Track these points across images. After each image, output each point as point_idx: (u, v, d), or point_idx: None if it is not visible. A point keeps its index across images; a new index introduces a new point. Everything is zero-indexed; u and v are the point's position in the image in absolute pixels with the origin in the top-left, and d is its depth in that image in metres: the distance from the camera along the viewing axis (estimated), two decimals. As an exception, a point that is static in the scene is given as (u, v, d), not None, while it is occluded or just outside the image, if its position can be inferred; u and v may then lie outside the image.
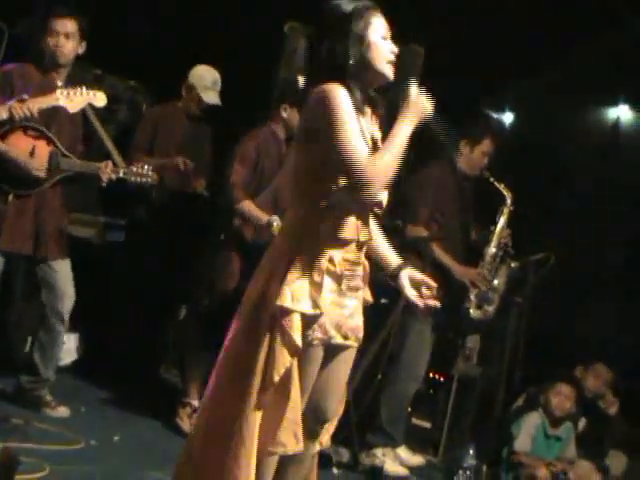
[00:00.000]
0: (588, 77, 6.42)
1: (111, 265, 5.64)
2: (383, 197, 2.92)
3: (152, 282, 5.41)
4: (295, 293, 2.77)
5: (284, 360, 2.76)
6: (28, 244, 4.45)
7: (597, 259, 6.46)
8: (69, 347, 5.48)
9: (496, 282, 5.18)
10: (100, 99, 4.44)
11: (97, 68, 6.10)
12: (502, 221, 5.18)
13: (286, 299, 2.76)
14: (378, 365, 4.89)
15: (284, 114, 4.83)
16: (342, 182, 2.80)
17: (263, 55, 5.90)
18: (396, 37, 2.98)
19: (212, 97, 5.49)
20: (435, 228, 5.08)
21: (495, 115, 7.08)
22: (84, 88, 4.36)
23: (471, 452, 5.10)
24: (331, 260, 2.83)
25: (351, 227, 2.87)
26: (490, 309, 5.15)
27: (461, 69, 6.11)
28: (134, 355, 5.38)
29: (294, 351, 2.77)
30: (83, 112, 4.54)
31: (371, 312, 3.15)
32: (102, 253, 5.79)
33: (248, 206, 4.74)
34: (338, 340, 2.91)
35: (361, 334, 3.00)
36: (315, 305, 2.80)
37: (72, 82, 4.52)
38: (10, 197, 4.36)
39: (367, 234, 2.94)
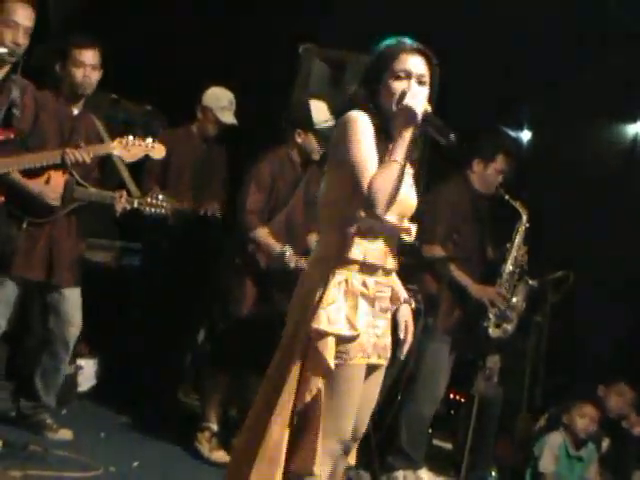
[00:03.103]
0: (607, 93, 6.38)
1: (127, 289, 5.64)
2: (412, 225, 2.99)
3: (169, 306, 5.41)
4: (331, 316, 2.83)
5: (316, 381, 2.83)
6: (41, 271, 4.45)
7: (617, 275, 6.39)
8: (88, 373, 5.49)
9: (514, 300, 5.13)
10: (159, 151, 4.47)
11: (113, 93, 6.13)
12: (518, 239, 5.15)
13: (322, 322, 2.82)
14: (398, 386, 4.85)
15: (299, 139, 4.82)
16: None
17: (277, 77, 5.91)
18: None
19: (229, 117, 5.54)
20: (451, 247, 5.06)
21: (511, 132, 7.04)
22: (145, 139, 4.40)
23: (493, 474, 5.06)
24: (364, 284, 2.91)
25: (379, 253, 2.93)
26: (509, 328, 5.10)
27: (477, 87, 6.09)
28: (152, 380, 5.37)
29: (325, 373, 2.83)
30: (100, 139, 4.55)
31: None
32: (118, 277, 5.79)
33: (262, 234, 4.72)
34: (373, 360, 2.97)
35: (389, 353, 3.07)
36: (352, 326, 2.86)
37: (88, 110, 4.55)
38: (24, 224, 4.36)
39: (394, 262, 3.00)
